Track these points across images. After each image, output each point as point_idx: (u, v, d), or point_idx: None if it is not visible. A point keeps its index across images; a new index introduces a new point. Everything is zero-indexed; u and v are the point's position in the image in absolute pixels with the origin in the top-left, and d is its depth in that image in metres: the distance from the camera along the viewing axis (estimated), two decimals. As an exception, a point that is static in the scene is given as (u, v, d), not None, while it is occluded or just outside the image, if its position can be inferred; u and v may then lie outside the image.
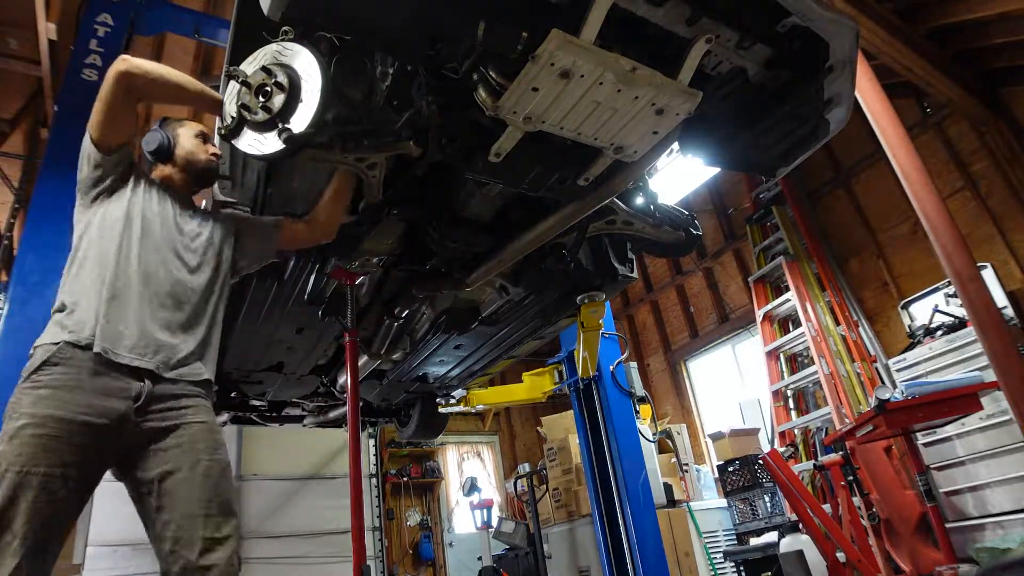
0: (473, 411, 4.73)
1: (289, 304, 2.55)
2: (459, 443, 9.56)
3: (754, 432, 6.09)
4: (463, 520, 8.33)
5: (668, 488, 5.87)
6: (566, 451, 6.65)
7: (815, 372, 5.74)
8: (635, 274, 2.78)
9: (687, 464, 6.54)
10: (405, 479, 8.42)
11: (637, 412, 4.88)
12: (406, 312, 2.82)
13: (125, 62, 1.67)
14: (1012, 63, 5.05)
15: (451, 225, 2.16)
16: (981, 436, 4.29)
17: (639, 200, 2.42)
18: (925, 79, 4.85)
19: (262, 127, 1.54)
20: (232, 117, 1.56)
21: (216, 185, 1.87)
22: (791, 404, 6.23)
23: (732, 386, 7.44)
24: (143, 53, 6.27)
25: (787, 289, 6.24)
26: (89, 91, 3.78)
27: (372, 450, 8.15)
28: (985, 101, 5.20)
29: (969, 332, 4.34)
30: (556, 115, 1.58)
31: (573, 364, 4.60)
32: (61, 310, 1.64)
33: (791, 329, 6.30)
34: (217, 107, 1.74)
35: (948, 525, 4.02)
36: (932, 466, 4.43)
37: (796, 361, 6.44)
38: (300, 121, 1.50)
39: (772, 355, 6.36)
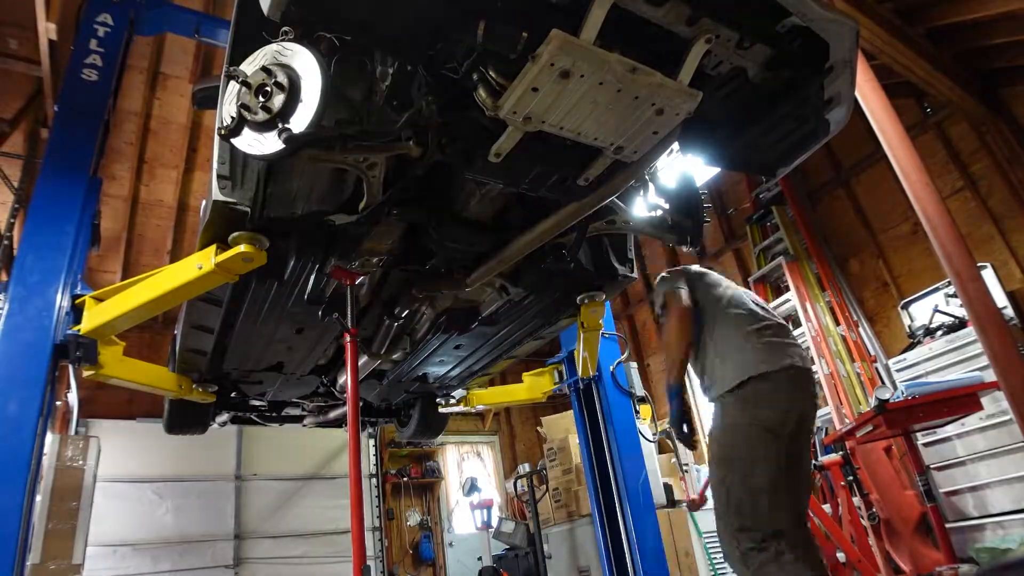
0: (473, 411, 4.73)
1: (289, 304, 2.55)
2: (459, 443, 9.56)
3: (754, 432, 6.08)
4: (463, 520, 8.32)
5: (668, 488, 5.87)
6: (566, 451, 6.65)
7: (815, 372, 5.73)
8: (635, 274, 2.78)
9: (687, 464, 6.53)
10: (405, 479, 8.41)
11: (637, 412, 4.87)
12: (406, 312, 2.82)
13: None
14: (1012, 63, 5.05)
15: (451, 225, 2.16)
16: (981, 436, 4.29)
17: (639, 200, 2.42)
18: (925, 79, 4.85)
19: (262, 127, 1.53)
20: (232, 117, 1.56)
21: (216, 185, 1.87)
22: (791, 404, 6.22)
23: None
24: (143, 53, 6.28)
25: (787, 289, 6.24)
26: (89, 91, 3.80)
27: (372, 450, 8.16)
28: (985, 101, 5.20)
29: (969, 332, 4.34)
30: (556, 115, 1.58)
31: (573, 364, 4.59)
32: None
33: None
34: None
35: (948, 525, 4.02)
36: (932, 466, 4.43)
37: (796, 361, 6.43)
38: (300, 121, 1.50)
39: (772, 355, 6.34)
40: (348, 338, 2.37)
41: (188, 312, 2.69)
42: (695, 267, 2.61)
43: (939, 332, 4.85)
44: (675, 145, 1.93)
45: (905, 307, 5.43)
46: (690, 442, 2.38)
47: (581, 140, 1.70)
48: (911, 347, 5.07)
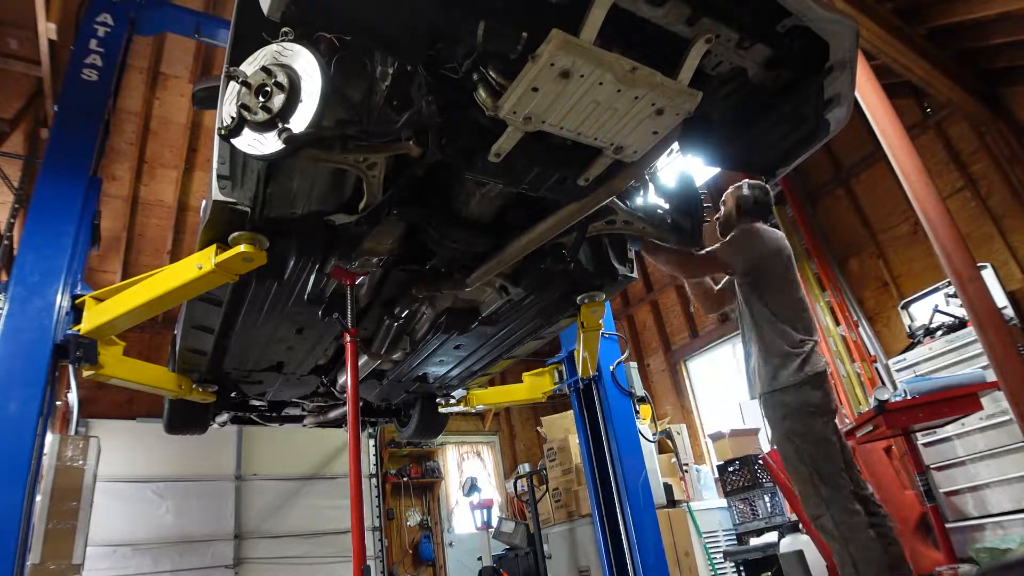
0: (473, 411, 4.73)
1: (289, 304, 2.55)
2: (459, 443, 9.56)
3: (754, 432, 6.09)
4: (463, 520, 8.32)
5: (668, 488, 5.87)
6: (566, 451, 6.65)
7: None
8: (635, 274, 2.78)
9: (687, 464, 6.54)
10: (405, 479, 8.41)
11: (637, 412, 4.87)
12: (406, 312, 2.82)
13: None
14: (1012, 63, 5.05)
15: (451, 225, 2.16)
16: (981, 436, 4.29)
17: (639, 200, 2.42)
18: (925, 79, 4.84)
19: (262, 127, 1.53)
20: (232, 117, 1.56)
21: (216, 185, 1.87)
22: (791, 404, 6.22)
23: (732, 386, 7.44)
24: (143, 53, 6.28)
25: (787, 289, 6.23)
26: (89, 91, 3.80)
27: (372, 450, 8.16)
28: (985, 101, 5.20)
29: (969, 332, 4.34)
30: (556, 115, 1.58)
31: (573, 364, 4.59)
32: None
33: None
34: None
35: (948, 525, 4.02)
36: (932, 466, 4.43)
37: (796, 361, 6.44)
38: (300, 121, 1.50)
39: (772, 355, 6.34)
40: (348, 338, 2.38)
41: (188, 312, 2.69)
42: None
43: (939, 332, 4.85)
44: (675, 145, 1.94)
45: (905, 307, 5.43)
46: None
47: (581, 140, 1.70)
48: (911, 347, 5.07)
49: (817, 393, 2.51)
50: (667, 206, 2.49)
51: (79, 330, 2.64)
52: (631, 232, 2.47)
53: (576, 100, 1.54)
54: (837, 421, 2.56)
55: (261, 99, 1.52)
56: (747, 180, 2.93)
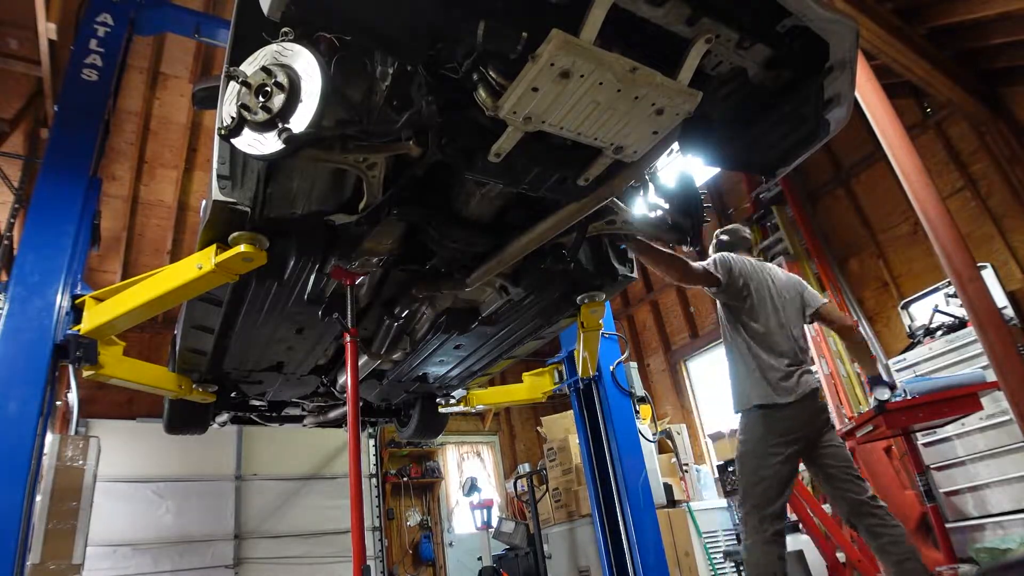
0: (473, 411, 4.73)
1: (289, 304, 2.55)
2: (459, 443, 9.56)
3: (754, 432, 6.08)
4: (463, 520, 8.32)
5: (668, 488, 5.87)
6: (566, 451, 6.65)
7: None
8: (635, 274, 2.78)
9: (687, 464, 6.54)
10: (405, 479, 8.41)
11: (637, 412, 4.87)
12: (406, 312, 2.82)
13: None
14: (1012, 63, 5.05)
15: (451, 225, 2.16)
16: (981, 436, 4.29)
17: (639, 200, 2.42)
18: (925, 79, 4.85)
19: (262, 127, 1.53)
20: (232, 117, 1.56)
21: (216, 185, 1.87)
22: (791, 404, 6.22)
23: (732, 386, 7.43)
24: (143, 53, 6.28)
25: (787, 289, 6.24)
26: (89, 91, 3.80)
27: (372, 450, 8.16)
28: (985, 101, 5.20)
29: (969, 332, 4.34)
30: (556, 115, 1.58)
31: (573, 364, 4.59)
32: None
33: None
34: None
35: (948, 525, 4.02)
36: (932, 466, 4.43)
37: (796, 361, 6.44)
38: (300, 121, 1.50)
39: (772, 355, 6.34)
40: (348, 338, 2.38)
41: (188, 312, 2.69)
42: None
43: (939, 332, 4.85)
44: (675, 145, 1.93)
45: (905, 307, 5.43)
46: None
47: (581, 140, 1.70)
48: (911, 347, 5.07)
49: (775, 419, 2.65)
50: (667, 206, 2.49)
51: (79, 330, 2.64)
52: (631, 232, 2.47)
53: (576, 100, 1.54)
54: (797, 448, 2.64)
55: (261, 99, 1.52)
56: (718, 230, 3.18)
